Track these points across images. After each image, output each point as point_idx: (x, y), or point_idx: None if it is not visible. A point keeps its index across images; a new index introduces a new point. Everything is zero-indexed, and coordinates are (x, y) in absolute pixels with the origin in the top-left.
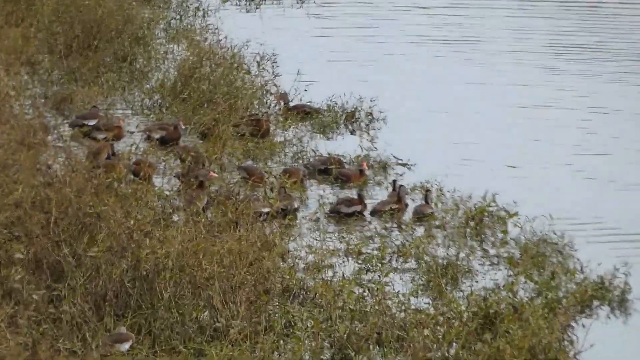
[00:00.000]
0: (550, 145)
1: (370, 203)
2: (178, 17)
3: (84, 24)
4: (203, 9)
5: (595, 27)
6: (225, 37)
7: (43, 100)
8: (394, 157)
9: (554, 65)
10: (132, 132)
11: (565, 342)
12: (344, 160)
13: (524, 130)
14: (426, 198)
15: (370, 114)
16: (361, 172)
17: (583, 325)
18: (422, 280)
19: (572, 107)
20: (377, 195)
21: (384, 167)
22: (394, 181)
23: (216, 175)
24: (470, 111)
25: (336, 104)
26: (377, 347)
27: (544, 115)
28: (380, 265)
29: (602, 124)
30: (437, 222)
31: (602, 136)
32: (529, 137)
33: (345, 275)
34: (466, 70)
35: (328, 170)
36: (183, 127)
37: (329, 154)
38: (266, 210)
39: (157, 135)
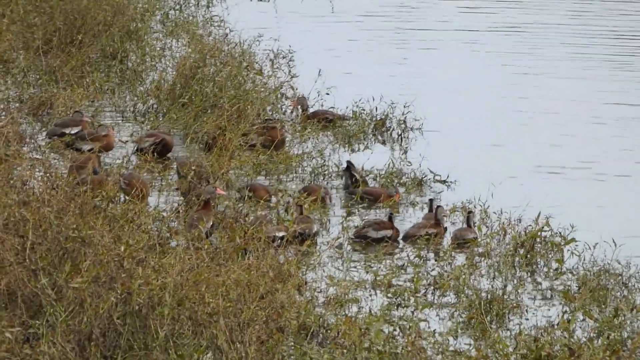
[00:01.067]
0: (617, 157)
1: (402, 226)
2: (177, 7)
3: (66, 15)
4: None
5: None
6: (233, 31)
7: (18, 105)
8: (431, 172)
9: (622, 62)
10: (123, 142)
11: None
12: (371, 177)
13: (583, 140)
14: (468, 221)
15: (404, 122)
16: (390, 196)
17: None
18: (462, 317)
19: None
20: (411, 217)
21: (419, 184)
22: (431, 201)
23: (224, 192)
24: (521, 118)
25: (363, 110)
26: None
27: (610, 120)
28: (413, 299)
29: None
30: (480, 249)
31: None
32: (590, 149)
33: (372, 311)
34: (515, 70)
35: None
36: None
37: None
38: (281, 234)
39: (144, 145)
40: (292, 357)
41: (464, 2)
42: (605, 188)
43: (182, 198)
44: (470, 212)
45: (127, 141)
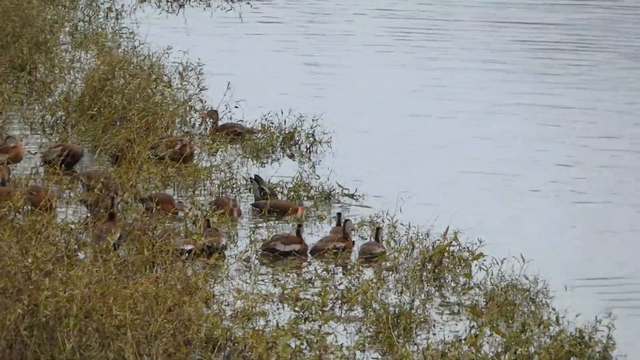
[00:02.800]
0: (526, 171)
1: (310, 240)
2: (86, 19)
3: None
4: (116, 10)
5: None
6: (142, 43)
7: None
8: (339, 186)
9: (527, 77)
10: (32, 154)
11: None
12: (279, 190)
13: (494, 154)
14: (377, 235)
15: (312, 135)
16: (294, 209)
17: None
18: (369, 331)
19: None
20: (319, 231)
21: (327, 197)
22: (339, 214)
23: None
24: (432, 131)
25: (272, 123)
26: None
27: (517, 135)
28: (320, 313)
29: (595, 147)
30: (388, 264)
31: (588, 164)
32: (500, 163)
33: (279, 325)
34: (424, 82)
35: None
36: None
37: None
38: (188, 247)
39: (52, 157)
40: None
41: (377, 6)
42: (515, 202)
43: (88, 210)
44: (379, 227)
45: (35, 153)
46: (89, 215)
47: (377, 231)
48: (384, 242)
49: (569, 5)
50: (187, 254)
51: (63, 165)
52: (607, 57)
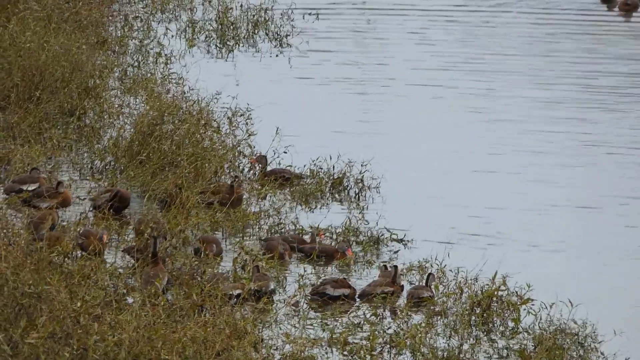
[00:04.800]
0: (574, 216)
1: (359, 284)
2: (136, 64)
3: (24, 71)
4: (165, 55)
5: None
6: (192, 89)
7: None
8: (388, 231)
9: (581, 116)
10: (81, 200)
11: None
12: (327, 235)
13: (543, 198)
14: (427, 280)
15: (361, 180)
16: (342, 253)
17: None
18: None
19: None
20: (367, 275)
21: (376, 242)
22: (385, 266)
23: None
24: (482, 175)
25: (321, 168)
26: None
27: (565, 181)
28: (369, 357)
29: None
30: (436, 308)
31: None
32: (550, 207)
33: None
34: (474, 126)
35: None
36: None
37: (311, 227)
38: (237, 292)
39: (101, 202)
40: None
41: (422, 55)
42: (563, 246)
43: (129, 257)
44: (430, 273)
45: (84, 198)
46: (137, 259)
47: (429, 277)
48: (432, 287)
49: None
50: (235, 299)
51: (112, 210)
52: None
